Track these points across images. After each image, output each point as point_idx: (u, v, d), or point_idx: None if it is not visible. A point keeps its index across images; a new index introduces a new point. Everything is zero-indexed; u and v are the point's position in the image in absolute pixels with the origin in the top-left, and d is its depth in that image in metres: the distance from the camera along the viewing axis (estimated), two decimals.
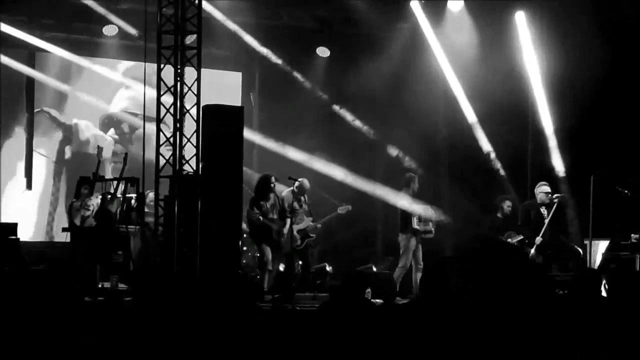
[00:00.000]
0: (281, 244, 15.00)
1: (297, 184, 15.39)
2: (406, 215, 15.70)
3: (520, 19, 17.78)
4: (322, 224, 16.13)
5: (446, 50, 18.28)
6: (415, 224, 15.64)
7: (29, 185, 17.89)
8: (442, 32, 18.30)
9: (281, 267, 15.46)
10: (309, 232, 15.69)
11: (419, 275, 15.51)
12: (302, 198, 15.56)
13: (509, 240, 15.56)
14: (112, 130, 18.73)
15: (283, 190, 15.48)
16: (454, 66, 18.21)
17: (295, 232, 15.17)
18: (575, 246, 15.32)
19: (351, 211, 16.65)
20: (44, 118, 18.27)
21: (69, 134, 18.46)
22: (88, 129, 18.55)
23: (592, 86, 16.44)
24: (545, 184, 15.43)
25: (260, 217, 14.79)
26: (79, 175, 15.23)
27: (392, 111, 18.87)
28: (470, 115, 18.17)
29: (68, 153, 18.44)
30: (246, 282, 8.64)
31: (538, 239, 15.05)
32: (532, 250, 15.03)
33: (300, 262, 15.78)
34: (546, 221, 15.10)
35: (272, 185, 15.03)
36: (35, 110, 18.11)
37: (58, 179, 18.22)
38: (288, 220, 15.01)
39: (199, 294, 7.77)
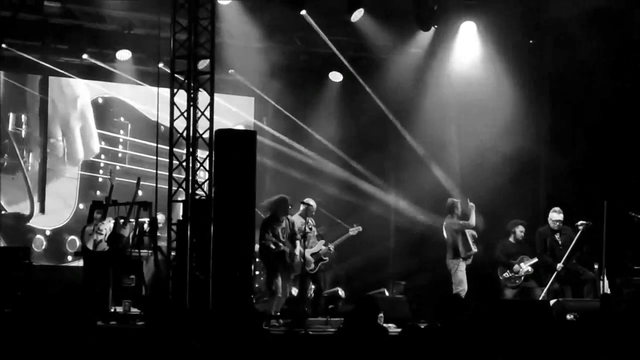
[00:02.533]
0: (292, 267, 14.95)
1: (302, 206, 15.40)
2: (456, 242, 15.79)
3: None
4: (335, 247, 16.12)
5: (458, 74, 18.31)
6: (474, 249, 15.83)
7: (42, 209, 17.94)
8: (455, 56, 18.33)
9: (294, 291, 15.43)
10: (322, 256, 15.67)
11: None
12: (310, 221, 15.48)
13: (522, 265, 15.55)
14: None
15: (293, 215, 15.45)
16: (466, 90, 18.22)
17: (309, 256, 15.15)
18: (590, 272, 15.28)
19: (363, 235, 16.64)
20: None
21: None
22: None
23: (605, 110, 16.49)
24: (555, 211, 15.45)
25: (273, 245, 14.74)
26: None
27: (404, 135, 18.96)
28: (483, 139, 18.11)
29: None
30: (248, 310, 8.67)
31: (559, 266, 15.08)
32: (552, 278, 15.09)
33: (313, 286, 15.74)
34: (569, 248, 15.14)
35: (280, 209, 14.97)
36: None
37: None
38: (298, 243, 14.99)
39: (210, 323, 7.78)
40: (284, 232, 14.92)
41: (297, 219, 15.30)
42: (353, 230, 16.27)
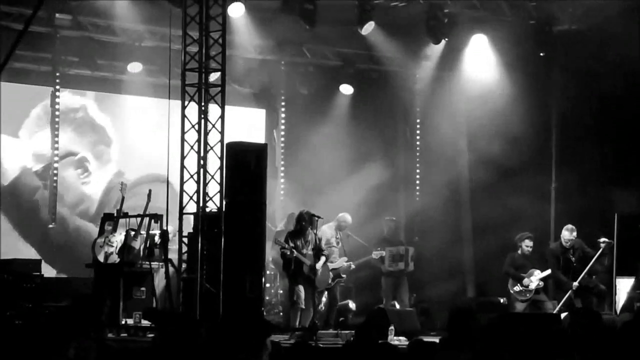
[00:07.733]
0: (314, 281, 14.90)
1: (340, 218, 15.50)
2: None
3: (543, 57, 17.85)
4: (357, 265, 16.26)
5: (469, 86, 18.33)
6: (387, 266, 16.62)
7: (52, 220, 17.94)
8: (465, 68, 18.36)
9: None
10: (342, 273, 15.70)
11: None
12: (339, 234, 15.54)
13: (532, 278, 15.50)
14: None
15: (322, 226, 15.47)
16: (477, 102, 18.23)
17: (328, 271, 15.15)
18: (602, 286, 15.25)
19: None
20: None
21: None
22: None
23: (617, 122, 16.49)
24: (568, 230, 15.32)
25: (294, 252, 14.73)
26: None
27: (414, 148, 19.02)
28: (493, 152, 18.08)
29: None
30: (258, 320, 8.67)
31: (575, 285, 15.01)
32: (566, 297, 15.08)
33: (325, 300, 15.71)
34: (588, 266, 15.06)
35: (305, 222, 14.96)
36: None
37: None
38: (323, 258, 15.00)
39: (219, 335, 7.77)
40: (307, 245, 14.90)
41: (325, 231, 15.41)
42: (376, 254, 16.51)
